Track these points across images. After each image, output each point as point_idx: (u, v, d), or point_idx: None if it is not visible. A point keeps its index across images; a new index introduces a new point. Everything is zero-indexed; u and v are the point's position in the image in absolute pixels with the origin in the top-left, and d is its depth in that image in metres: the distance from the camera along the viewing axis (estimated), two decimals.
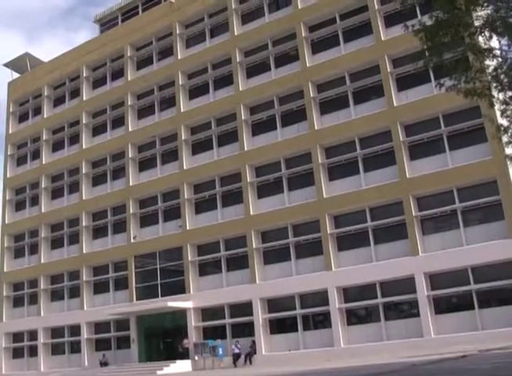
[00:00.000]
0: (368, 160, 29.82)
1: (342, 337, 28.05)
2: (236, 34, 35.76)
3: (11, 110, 47.23)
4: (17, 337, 41.63)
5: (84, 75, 42.55)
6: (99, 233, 39.40)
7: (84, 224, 39.26)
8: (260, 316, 30.64)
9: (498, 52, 12.55)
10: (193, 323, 32.84)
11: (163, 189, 36.33)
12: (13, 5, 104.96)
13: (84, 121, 41.59)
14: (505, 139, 14.27)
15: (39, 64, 46.79)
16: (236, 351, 30.31)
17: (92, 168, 40.87)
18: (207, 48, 37.00)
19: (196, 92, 37.17)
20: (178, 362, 31.30)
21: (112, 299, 37.00)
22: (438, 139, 28.14)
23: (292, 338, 29.87)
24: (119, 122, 40.17)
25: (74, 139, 42.55)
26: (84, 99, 42.22)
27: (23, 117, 47.19)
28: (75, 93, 43.49)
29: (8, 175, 45.56)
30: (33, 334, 40.30)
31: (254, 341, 30.46)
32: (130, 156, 38.20)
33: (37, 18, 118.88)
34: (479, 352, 17.81)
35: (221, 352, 30.77)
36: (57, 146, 43.76)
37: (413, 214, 27.54)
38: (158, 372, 29.81)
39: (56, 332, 39.53)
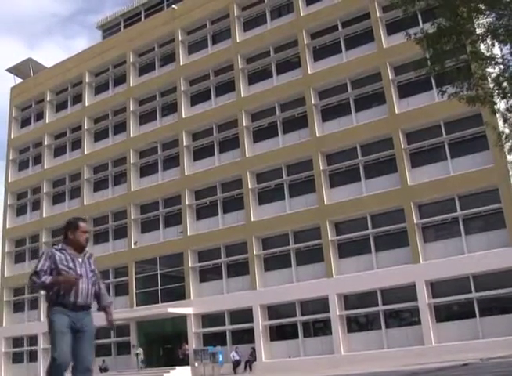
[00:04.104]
0: (369, 167, 29.82)
1: (342, 344, 27.96)
2: (237, 40, 35.85)
3: (13, 115, 47.30)
4: (17, 342, 41.55)
5: (87, 81, 42.65)
6: (99, 238, 39.33)
7: None
8: (260, 323, 30.56)
9: (500, 60, 12.56)
10: (193, 329, 32.77)
11: (164, 194, 36.33)
12: (14, 12, 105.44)
13: (85, 127, 41.64)
14: (507, 146, 14.24)
15: (42, 70, 46.93)
16: (236, 358, 30.24)
17: (94, 173, 40.89)
18: (209, 55, 37.08)
19: (197, 98, 37.23)
20: (178, 368, 31.21)
21: (112, 305, 36.84)
22: (439, 146, 28.14)
23: (292, 345, 29.78)
24: (121, 128, 40.21)
25: (76, 144, 42.60)
26: (87, 104, 42.29)
27: (25, 122, 47.27)
28: (77, 99, 43.56)
29: (9, 180, 45.58)
30: (33, 339, 40.19)
31: (254, 348, 30.38)
32: (131, 161, 38.23)
33: (38, 25, 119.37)
34: (480, 361, 17.72)
35: (221, 359, 30.65)
36: (59, 152, 43.82)
37: (414, 221, 27.51)
38: None
39: None
